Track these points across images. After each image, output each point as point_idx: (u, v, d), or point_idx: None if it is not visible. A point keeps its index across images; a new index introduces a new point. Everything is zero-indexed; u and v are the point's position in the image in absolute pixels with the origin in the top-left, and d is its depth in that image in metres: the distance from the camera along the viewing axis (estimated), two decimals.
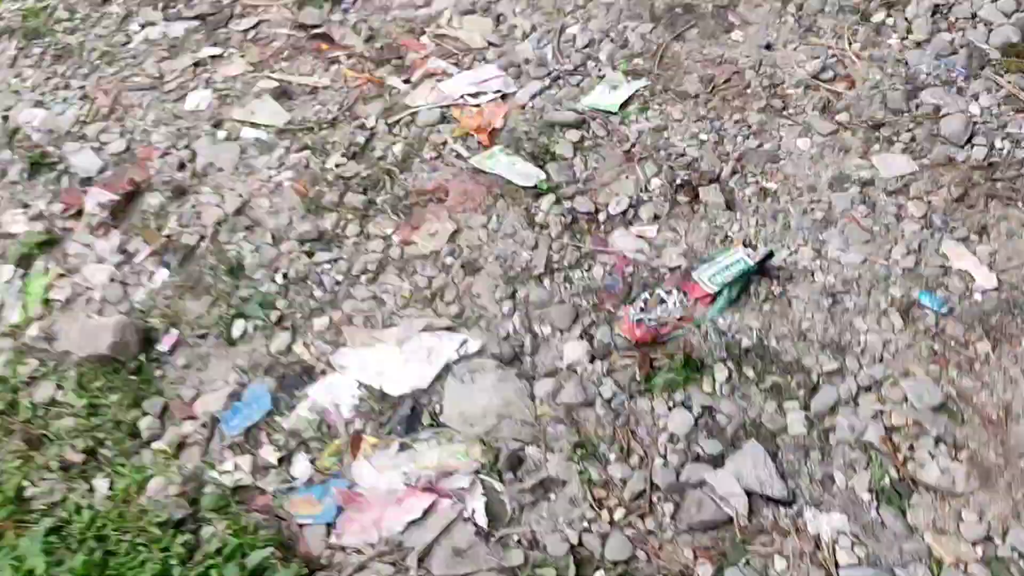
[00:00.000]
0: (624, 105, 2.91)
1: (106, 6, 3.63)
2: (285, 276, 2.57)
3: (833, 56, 2.96)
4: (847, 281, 2.35)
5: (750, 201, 2.59)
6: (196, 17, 3.50)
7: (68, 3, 3.66)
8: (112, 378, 2.37)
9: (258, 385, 2.31)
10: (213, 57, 3.31)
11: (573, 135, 2.84)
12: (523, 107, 2.97)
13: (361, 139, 2.93)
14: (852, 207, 2.52)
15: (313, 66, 3.24)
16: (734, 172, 2.67)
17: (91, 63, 3.37)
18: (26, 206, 2.92)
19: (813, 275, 2.38)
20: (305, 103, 3.10)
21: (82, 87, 3.28)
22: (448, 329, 2.37)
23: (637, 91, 2.94)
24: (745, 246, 2.44)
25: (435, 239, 2.60)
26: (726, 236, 2.51)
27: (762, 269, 2.37)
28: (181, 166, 2.94)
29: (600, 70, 3.07)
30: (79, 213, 2.85)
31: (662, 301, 2.36)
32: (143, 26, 3.51)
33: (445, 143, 2.88)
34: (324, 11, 3.45)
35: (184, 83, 3.23)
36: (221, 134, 3.02)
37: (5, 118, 3.20)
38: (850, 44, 3.00)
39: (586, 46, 3.17)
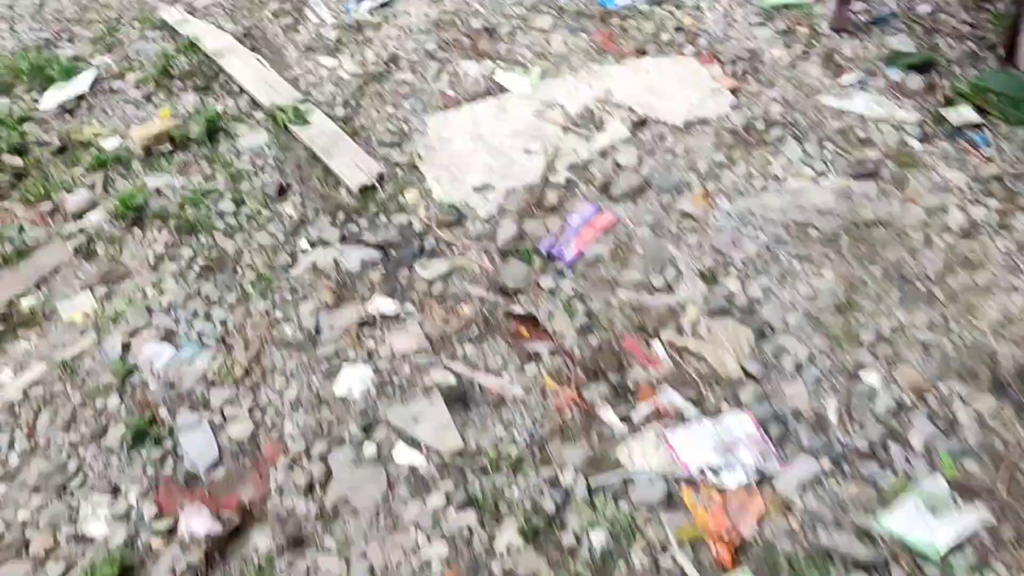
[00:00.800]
0: (950, 551, 1.92)
1: (280, 203, 3.01)
2: None
3: None
4: None
5: None
6: (378, 246, 2.81)
7: (237, 191, 3.06)
8: None
9: None
10: (384, 317, 2.58)
11: None
12: (787, 506, 2.04)
13: (550, 504, 2.09)
14: None
15: (506, 358, 2.44)
16: None
17: (242, 288, 2.73)
18: (116, 491, 2.27)
19: None
20: (485, 420, 2.30)
21: (224, 324, 2.63)
22: None
23: (971, 532, 1.94)
24: None
25: None
26: None
27: None
28: (309, 488, 2.20)
29: (910, 463, 2.09)
30: (172, 530, 2.16)
31: None
32: (314, 244, 2.85)
33: (666, 547, 1.99)
34: (533, 269, 2.66)
35: (342, 349, 2.52)
36: (369, 448, 2.26)
37: (126, 347, 2.60)
38: None
39: (890, 411, 2.20)
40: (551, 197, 2.89)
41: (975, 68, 3.15)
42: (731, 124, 3.05)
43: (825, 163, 2.86)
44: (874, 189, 2.75)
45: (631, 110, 3.15)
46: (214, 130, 3.31)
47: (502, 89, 3.34)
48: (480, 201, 2.91)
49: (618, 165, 2.96)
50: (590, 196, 2.88)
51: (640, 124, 3.09)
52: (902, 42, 3.28)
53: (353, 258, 2.78)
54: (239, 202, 3.03)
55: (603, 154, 3.01)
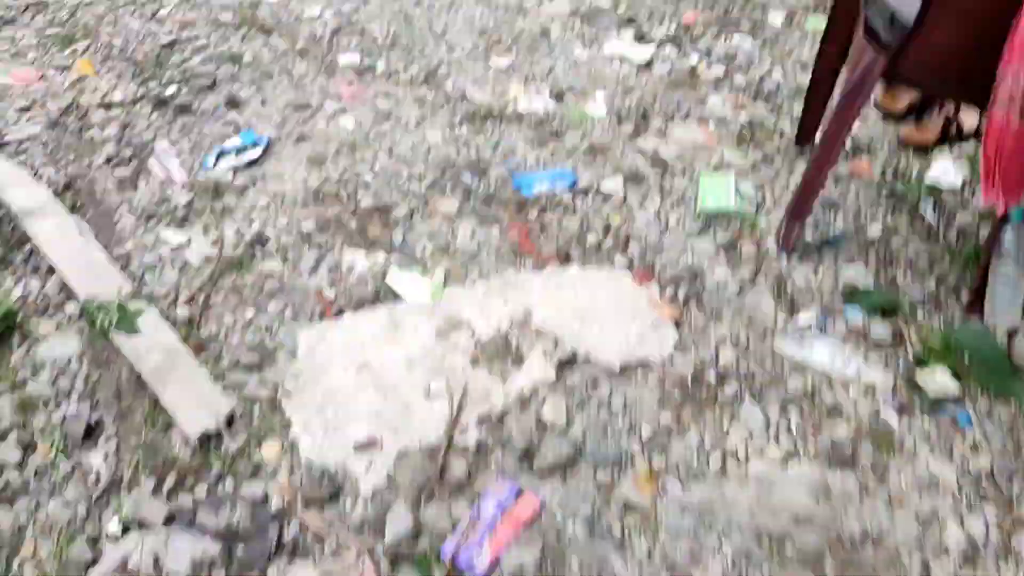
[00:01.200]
0: None
1: (87, 451, 2.21)
2: None
3: None
4: None
5: None
6: (219, 535, 2.04)
7: (27, 427, 2.24)
8: None
9: None
10: None
11: None
12: None
13: None
14: None
15: None
16: None
17: None
18: None
19: None
20: None
21: None
22: None
23: None
24: None
25: None
26: None
27: None
28: None
29: None
30: None
31: None
32: (128, 526, 2.05)
33: None
34: None
35: None
36: None
37: None
38: None
39: None
40: (457, 467, 2.22)
41: (940, 313, 2.77)
42: (677, 371, 2.51)
43: (793, 439, 2.35)
44: (854, 483, 2.25)
45: (555, 340, 2.56)
46: (6, 327, 2.47)
47: (395, 294, 2.69)
48: (363, 467, 2.21)
49: (541, 422, 2.34)
50: (507, 468, 2.24)
51: (568, 363, 2.50)
52: (858, 272, 2.88)
53: (181, 553, 2.01)
54: (27, 446, 2.20)
55: (523, 403, 2.39)
